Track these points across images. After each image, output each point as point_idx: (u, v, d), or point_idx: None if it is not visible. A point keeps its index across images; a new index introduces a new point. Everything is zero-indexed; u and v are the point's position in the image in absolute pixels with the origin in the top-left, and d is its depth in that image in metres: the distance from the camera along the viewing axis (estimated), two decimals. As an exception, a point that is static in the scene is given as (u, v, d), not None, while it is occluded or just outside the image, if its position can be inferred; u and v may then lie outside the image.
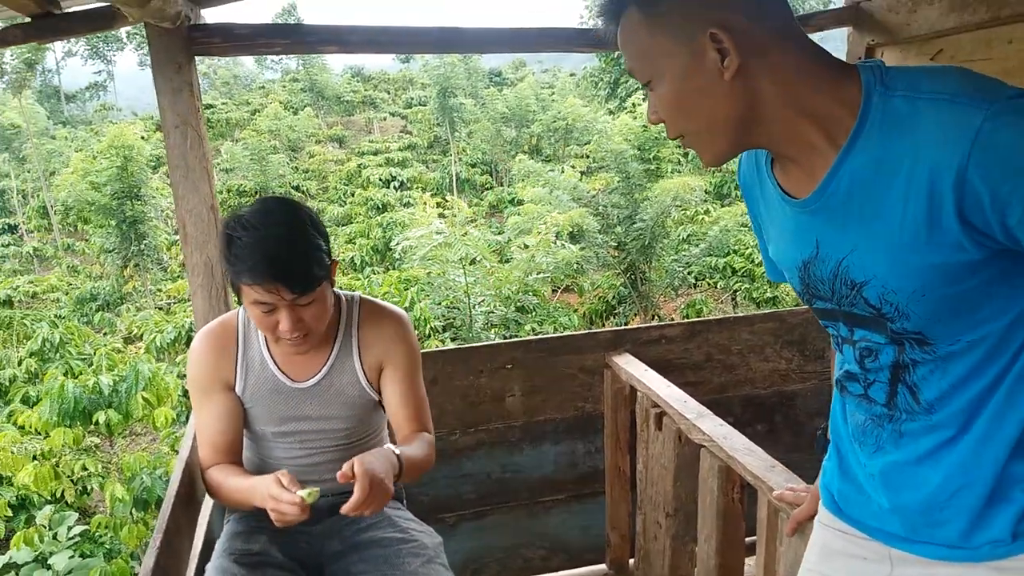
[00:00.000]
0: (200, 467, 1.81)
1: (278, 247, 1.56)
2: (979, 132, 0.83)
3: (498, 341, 2.95)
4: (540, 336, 2.99)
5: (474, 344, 2.91)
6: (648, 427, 2.34)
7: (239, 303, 1.70)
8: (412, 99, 38.42)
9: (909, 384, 1.03)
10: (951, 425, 1.02)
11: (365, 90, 41.29)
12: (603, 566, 2.82)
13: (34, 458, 7.93)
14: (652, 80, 1.01)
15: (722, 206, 16.71)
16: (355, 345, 1.81)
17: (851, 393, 1.12)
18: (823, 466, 1.27)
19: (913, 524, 1.08)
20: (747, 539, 1.99)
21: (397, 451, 1.63)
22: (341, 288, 1.94)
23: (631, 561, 2.74)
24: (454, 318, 10.50)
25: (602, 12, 1.02)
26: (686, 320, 3.17)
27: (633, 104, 17.65)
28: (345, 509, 1.46)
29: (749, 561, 2.09)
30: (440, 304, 10.31)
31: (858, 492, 1.16)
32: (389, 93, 42.90)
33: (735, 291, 15.32)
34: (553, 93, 31.96)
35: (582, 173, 16.42)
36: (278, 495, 1.50)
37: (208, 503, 1.95)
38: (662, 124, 1.04)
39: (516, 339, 2.85)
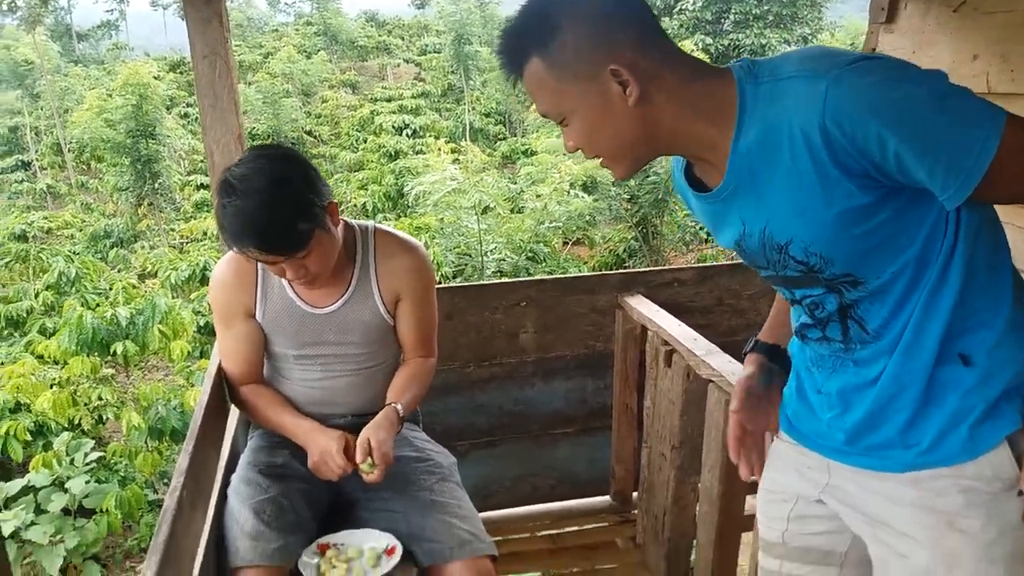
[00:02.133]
0: (230, 383, 1.90)
1: (260, 215, 1.59)
2: (826, 95, 0.98)
3: (513, 279, 3.00)
4: (555, 276, 3.05)
5: (490, 281, 2.97)
6: (657, 364, 2.41)
7: None
8: (426, 46, 37.88)
9: (856, 319, 1.16)
10: (893, 344, 1.15)
11: (379, 35, 40.74)
12: (607, 497, 2.92)
13: (52, 386, 8.11)
14: (566, 117, 1.13)
15: (737, 162, 16.55)
16: (373, 275, 1.87)
17: (811, 339, 1.25)
18: (783, 392, 1.40)
19: (855, 436, 1.21)
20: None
21: (398, 407, 1.81)
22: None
23: (634, 494, 2.84)
24: (465, 265, 10.55)
25: (504, 65, 1.15)
26: (698, 264, 3.21)
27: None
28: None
29: (750, 499, 2.17)
30: (452, 251, 10.35)
31: (808, 412, 1.30)
32: (403, 39, 42.32)
33: (746, 247, 15.29)
34: (570, 43, 31.42)
35: (597, 125, 16.25)
36: (333, 458, 1.74)
37: (233, 419, 2.04)
38: (579, 151, 1.18)
39: (530, 278, 2.90)
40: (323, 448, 1.74)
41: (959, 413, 1.11)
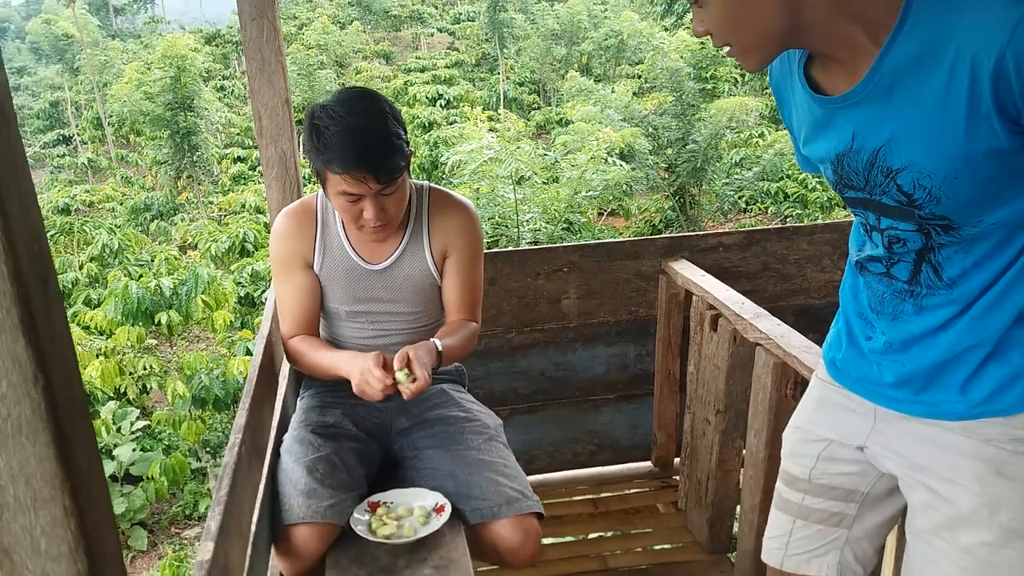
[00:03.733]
0: (282, 338, 1.93)
1: (365, 137, 1.64)
2: (1017, 25, 0.90)
3: (556, 245, 2.99)
4: (597, 241, 3.04)
5: (533, 247, 2.97)
6: (703, 329, 2.39)
7: (324, 190, 1.78)
8: (460, 14, 37.70)
9: (934, 264, 1.14)
10: (969, 298, 1.13)
11: (413, 4, 40.56)
12: (648, 463, 2.92)
13: (98, 356, 8.31)
14: None
15: (777, 130, 16.29)
16: (425, 232, 1.88)
17: (871, 272, 1.24)
18: (827, 337, 1.41)
19: (915, 387, 1.21)
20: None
21: (439, 344, 1.77)
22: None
23: (676, 460, 2.84)
24: (501, 236, 10.56)
25: None
26: (744, 228, 3.17)
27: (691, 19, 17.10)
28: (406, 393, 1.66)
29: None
30: (488, 221, 10.35)
31: (860, 358, 1.29)
32: (437, 8, 42.12)
33: (786, 216, 15.09)
34: (606, 9, 31.05)
35: (634, 94, 16.07)
36: (373, 373, 1.66)
37: (285, 379, 2.07)
38: (708, 36, 1.11)
39: (573, 243, 2.89)
40: (361, 368, 1.69)
41: (1020, 370, 1.12)
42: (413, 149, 1.77)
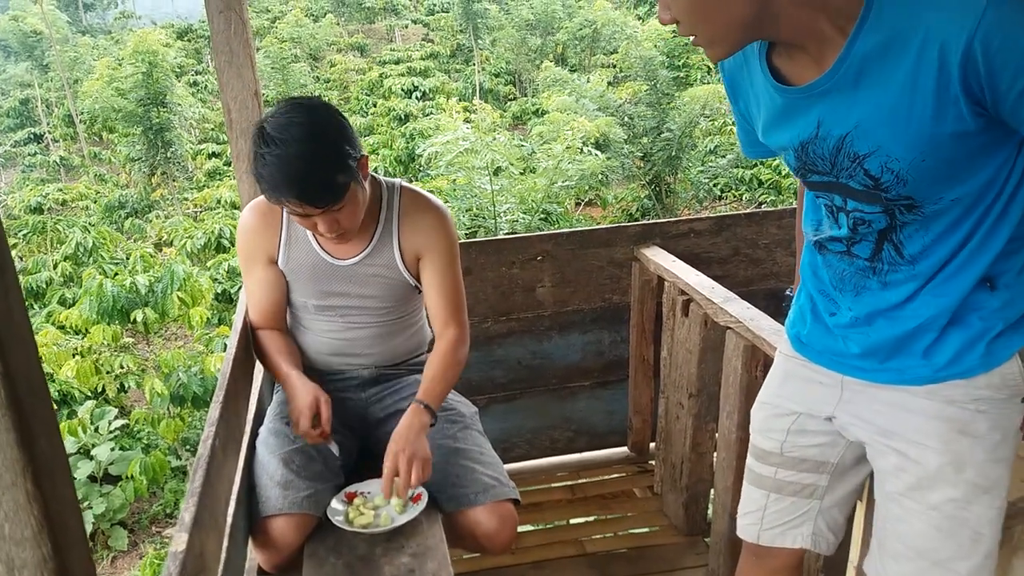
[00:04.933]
0: (250, 327, 1.93)
1: (297, 167, 1.59)
2: (983, 13, 0.95)
3: (530, 234, 3.01)
4: (571, 229, 3.05)
5: (507, 236, 2.98)
6: (675, 314, 2.42)
7: None
8: (434, 5, 37.48)
9: (895, 242, 1.18)
10: (930, 271, 1.17)
11: (386, -4, 40.29)
12: (625, 448, 2.96)
13: (74, 355, 8.23)
14: None
15: (750, 117, 16.34)
16: (395, 231, 1.87)
17: (831, 251, 1.27)
18: (788, 314, 1.46)
19: (880, 356, 1.25)
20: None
21: (426, 404, 1.77)
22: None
23: (651, 445, 2.87)
24: (478, 227, 10.55)
25: None
26: (715, 215, 3.20)
27: (663, 9, 17.10)
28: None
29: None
30: (465, 212, 10.34)
31: (825, 333, 1.34)
32: None
33: (761, 203, 15.20)
34: (579, -1, 31.03)
35: (608, 83, 16.09)
36: (305, 430, 1.75)
37: (260, 372, 2.08)
38: (674, 24, 1.11)
39: (547, 232, 2.91)
40: (298, 408, 1.75)
41: (978, 333, 1.17)
42: (367, 155, 1.75)
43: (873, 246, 1.20)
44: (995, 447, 1.19)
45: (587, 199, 16.74)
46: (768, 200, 14.78)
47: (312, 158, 1.61)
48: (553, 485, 2.82)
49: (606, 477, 2.85)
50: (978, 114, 1.02)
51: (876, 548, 1.35)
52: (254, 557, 1.71)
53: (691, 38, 1.11)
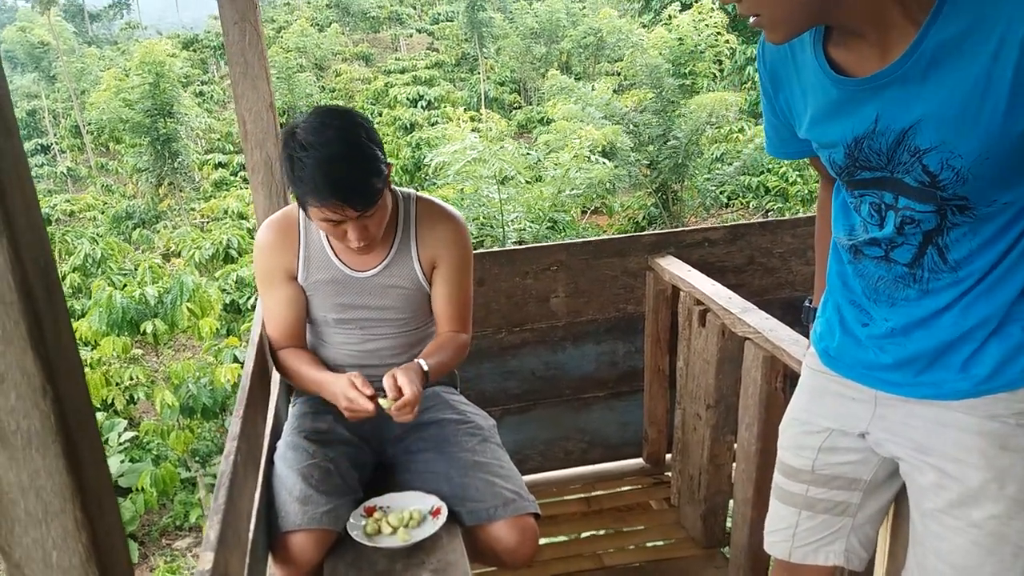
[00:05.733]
0: (271, 348, 1.92)
1: (338, 167, 1.61)
2: None
3: (543, 244, 3.00)
4: (585, 239, 3.05)
5: (521, 246, 2.98)
6: (691, 324, 2.41)
7: (305, 213, 1.77)
8: (439, 14, 37.61)
9: (940, 246, 1.14)
10: (973, 278, 1.14)
11: (391, 5, 40.44)
12: (640, 460, 2.94)
13: (84, 367, 8.23)
14: None
15: (756, 124, 16.37)
16: (413, 241, 1.88)
17: (867, 256, 1.23)
18: (815, 326, 1.42)
19: (915, 369, 1.22)
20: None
21: (424, 365, 1.76)
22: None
23: (667, 456, 2.85)
24: (485, 236, 10.55)
25: None
26: (730, 223, 3.19)
27: (669, 16, 17.13)
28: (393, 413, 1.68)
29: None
30: (472, 222, 10.34)
31: (855, 345, 1.30)
32: (416, 8, 42.03)
33: (768, 210, 15.17)
34: (584, 7, 31.06)
35: (614, 91, 16.09)
36: (354, 398, 1.67)
37: (276, 386, 2.07)
38: (730, 5, 1.07)
39: (561, 242, 2.91)
40: (340, 395, 1.71)
41: (1020, 345, 1.14)
42: (392, 164, 1.75)
43: (916, 250, 1.16)
44: None
45: (593, 207, 16.73)
46: (775, 208, 14.74)
47: (351, 161, 1.63)
48: (568, 497, 2.80)
49: (621, 489, 2.84)
50: None
51: (915, 568, 1.32)
52: (274, 573, 1.70)
53: (751, 19, 1.07)
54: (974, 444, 1.18)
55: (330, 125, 1.65)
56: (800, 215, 2.89)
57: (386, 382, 1.67)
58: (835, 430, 1.37)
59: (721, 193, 15.24)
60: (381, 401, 1.67)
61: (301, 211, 1.89)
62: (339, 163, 1.61)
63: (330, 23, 35.36)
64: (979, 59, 0.99)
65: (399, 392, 1.65)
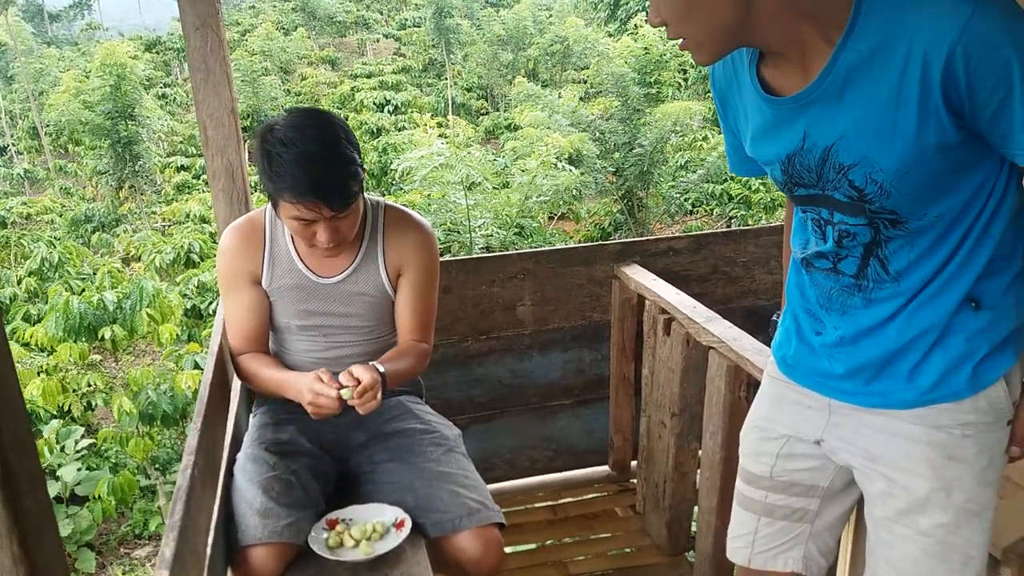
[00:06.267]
0: (231, 353, 1.89)
1: (317, 165, 1.60)
2: (967, 22, 0.95)
3: (510, 252, 2.99)
4: (551, 247, 3.04)
5: (487, 254, 2.96)
6: (656, 333, 2.41)
7: (275, 212, 1.74)
8: (406, 20, 37.48)
9: (880, 258, 1.18)
10: (914, 288, 1.16)
11: (358, 10, 40.22)
12: (606, 467, 2.94)
13: (39, 373, 8.05)
14: None
15: (720, 132, 16.57)
16: (380, 248, 1.86)
17: (817, 268, 1.26)
18: (776, 335, 1.45)
19: (864, 377, 1.24)
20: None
21: (381, 369, 1.71)
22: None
23: (633, 463, 2.86)
24: (453, 242, 10.52)
25: None
26: (694, 232, 3.21)
27: (635, 25, 17.27)
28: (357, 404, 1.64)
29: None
30: (440, 227, 10.31)
31: (810, 354, 1.33)
32: (383, 13, 41.87)
33: (731, 218, 15.34)
34: (551, 15, 31.22)
35: (580, 99, 16.18)
36: (320, 390, 1.63)
37: (236, 396, 2.03)
38: (663, 27, 1.12)
39: (527, 250, 2.90)
40: (307, 389, 1.66)
41: (964, 355, 1.16)
42: (366, 168, 1.74)
43: (859, 262, 1.20)
44: (983, 471, 1.19)
45: (560, 213, 16.79)
46: (738, 215, 14.91)
47: (330, 160, 1.62)
48: (534, 506, 2.79)
49: (587, 496, 2.83)
50: (958, 126, 1.02)
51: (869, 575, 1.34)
52: (233, 588, 1.66)
53: (679, 41, 1.12)
54: (921, 454, 1.21)
55: (310, 124, 1.64)
56: (763, 224, 2.91)
57: (343, 377, 1.65)
58: (792, 437, 1.39)
59: (685, 200, 15.40)
60: (343, 392, 1.63)
61: (267, 215, 1.87)
62: (318, 161, 1.60)
63: (296, 27, 35.06)
64: (889, 76, 1.02)
65: (358, 382, 1.63)
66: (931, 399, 1.19)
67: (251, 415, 2.03)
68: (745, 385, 1.98)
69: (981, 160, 1.08)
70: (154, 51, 33.01)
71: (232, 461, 1.83)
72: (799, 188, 1.20)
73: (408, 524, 1.69)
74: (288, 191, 1.61)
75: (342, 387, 1.65)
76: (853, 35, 1.04)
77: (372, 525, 1.69)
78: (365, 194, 1.88)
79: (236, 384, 2.08)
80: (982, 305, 1.15)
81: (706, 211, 16.37)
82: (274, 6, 40.15)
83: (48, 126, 23.47)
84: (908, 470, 1.22)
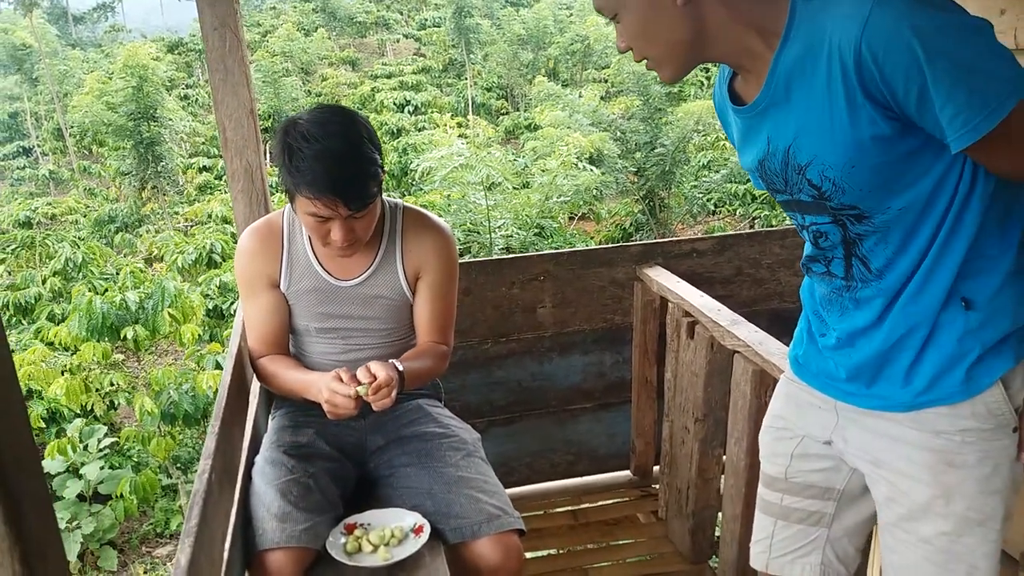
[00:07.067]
0: (251, 356, 1.88)
1: (339, 163, 1.59)
2: (868, 16, 0.99)
3: (530, 253, 2.97)
4: (572, 249, 3.02)
5: (507, 256, 2.94)
6: (679, 336, 2.38)
7: (291, 206, 1.73)
8: (426, 20, 37.56)
9: (860, 256, 1.19)
10: (897, 285, 1.17)
11: (378, 11, 40.34)
12: (627, 472, 2.90)
13: (63, 373, 8.13)
14: (618, 13, 1.15)
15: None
16: (399, 251, 1.84)
17: (815, 272, 1.30)
18: (794, 336, 1.46)
19: (864, 379, 1.25)
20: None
21: (400, 367, 1.71)
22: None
23: (655, 468, 2.82)
24: (472, 242, 10.51)
25: None
26: (718, 234, 3.17)
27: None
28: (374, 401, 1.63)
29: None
30: (459, 228, 10.30)
31: (817, 355, 1.35)
32: (403, 14, 41.94)
33: (754, 218, 15.22)
34: (571, 14, 31.15)
35: (600, 97, 16.11)
36: (337, 388, 1.61)
37: (255, 398, 2.02)
38: (630, 51, 1.19)
39: (548, 251, 2.87)
40: (325, 388, 1.64)
41: (956, 356, 1.15)
42: (387, 169, 1.72)
43: (844, 263, 1.22)
44: (986, 479, 1.17)
45: (580, 213, 16.73)
46: (762, 215, 14.79)
47: (351, 158, 1.61)
48: (555, 511, 2.76)
49: (609, 502, 2.80)
50: (890, 118, 1.04)
51: None
52: (250, 593, 1.65)
53: (644, 62, 1.19)
54: (922, 460, 1.20)
55: (334, 121, 1.63)
56: (788, 225, 2.85)
57: (360, 373, 1.63)
58: (807, 436, 1.39)
59: (708, 200, 15.30)
60: (359, 388, 1.62)
61: (285, 217, 1.85)
62: (339, 158, 1.59)
63: (316, 28, 35.21)
64: (818, 76, 1.07)
65: (374, 378, 1.61)
66: (925, 401, 1.18)
67: (270, 417, 2.02)
68: (771, 390, 1.93)
69: (934, 150, 1.07)
70: (176, 52, 33.30)
71: (250, 464, 1.82)
72: (777, 194, 1.25)
73: (427, 530, 1.67)
74: (307, 186, 1.60)
75: (359, 383, 1.63)
76: (788, 41, 1.10)
77: (391, 530, 1.67)
78: (384, 196, 1.86)
79: (255, 386, 2.07)
80: (974, 305, 1.14)
81: (729, 211, 16.26)
82: (295, 7, 40.37)
83: (72, 127, 23.76)
84: (909, 475, 1.22)
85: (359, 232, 1.70)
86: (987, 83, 0.97)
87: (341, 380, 1.63)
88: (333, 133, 1.60)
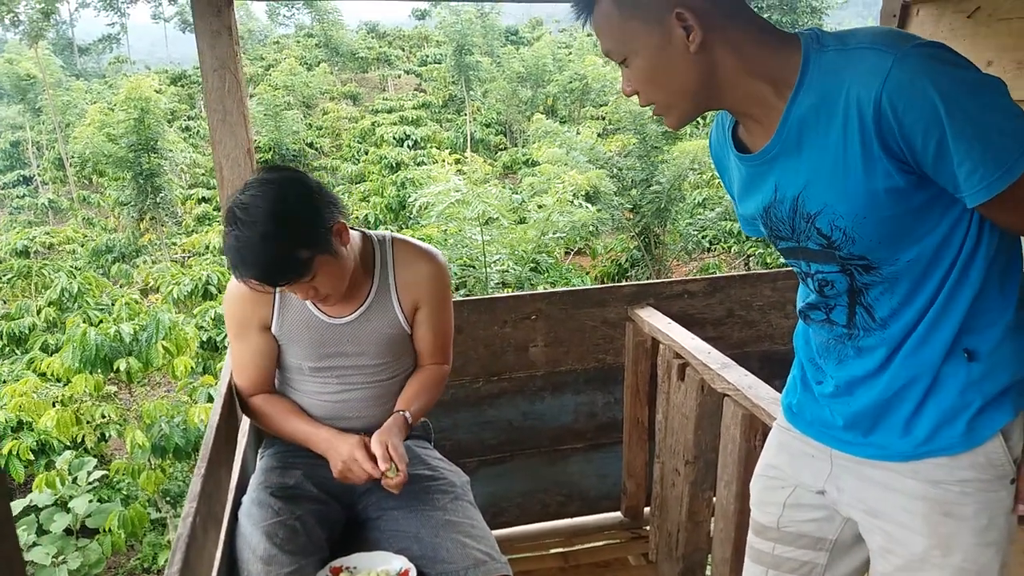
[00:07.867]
0: (239, 394, 1.88)
1: (259, 247, 1.57)
2: (889, 71, 1.00)
3: (523, 292, 2.98)
4: (565, 288, 3.03)
5: (500, 295, 2.95)
6: (670, 378, 2.38)
7: None
8: (427, 56, 38.01)
9: (865, 305, 1.19)
10: (900, 335, 1.17)
11: (380, 47, 40.85)
12: (618, 514, 2.88)
13: (54, 404, 8.07)
14: (627, 58, 1.15)
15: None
16: (392, 284, 1.85)
17: (814, 320, 1.29)
18: (787, 383, 1.46)
19: (862, 428, 1.25)
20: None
21: (407, 415, 1.81)
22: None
23: (646, 509, 2.80)
24: (468, 276, 10.53)
25: (576, 3, 1.17)
26: (710, 275, 3.18)
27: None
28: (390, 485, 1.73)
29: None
30: (455, 262, 10.33)
31: (813, 403, 1.34)
32: (404, 50, 42.46)
33: (749, 256, 15.28)
34: (570, 53, 31.56)
35: (598, 135, 16.26)
36: (362, 461, 1.72)
37: (244, 436, 2.01)
38: (636, 95, 1.20)
39: (540, 291, 2.88)
40: (346, 456, 1.74)
41: (957, 407, 1.15)
42: (342, 222, 1.69)
43: (847, 311, 1.22)
44: (983, 531, 1.17)
45: (576, 248, 16.79)
46: (756, 253, 14.86)
47: (272, 238, 1.57)
48: (546, 552, 2.73)
49: (599, 544, 2.78)
50: (905, 171, 1.05)
51: None
52: (233, 637, 1.63)
53: (651, 107, 1.19)
54: (918, 509, 1.19)
55: (260, 199, 1.59)
56: (780, 268, 2.88)
57: (378, 450, 1.72)
58: (799, 486, 1.38)
59: (703, 238, 15.36)
60: (387, 472, 1.72)
61: None
62: (259, 242, 1.56)
63: (319, 62, 35.61)
64: (834, 126, 1.07)
65: (389, 458, 1.71)
66: (926, 452, 1.18)
67: (258, 456, 2.01)
68: (760, 435, 1.93)
69: (945, 204, 1.08)
70: (179, 84, 33.60)
71: (237, 503, 1.80)
72: (780, 241, 1.25)
73: (413, 574, 1.66)
74: (233, 269, 1.63)
75: (378, 460, 1.72)
76: (801, 90, 1.10)
77: (376, 574, 1.66)
78: (370, 231, 1.88)
79: (244, 424, 2.06)
80: (976, 357, 1.14)
81: (724, 248, 16.32)
82: (298, 41, 40.86)
83: (73, 157, 23.86)
84: (905, 526, 1.21)
85: (323, 289, 1.69)
86: (1003, 140, 0.99)
87: (366, 453, 1.72)
88: (253, 218, 1.57)
